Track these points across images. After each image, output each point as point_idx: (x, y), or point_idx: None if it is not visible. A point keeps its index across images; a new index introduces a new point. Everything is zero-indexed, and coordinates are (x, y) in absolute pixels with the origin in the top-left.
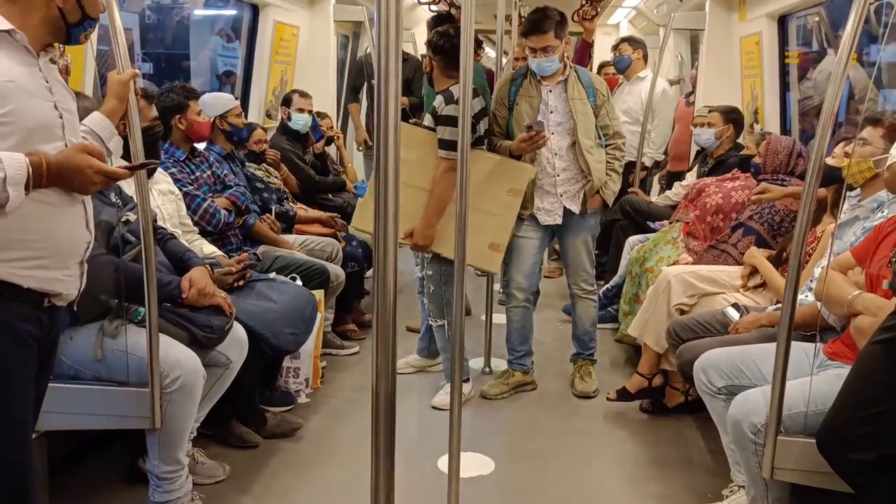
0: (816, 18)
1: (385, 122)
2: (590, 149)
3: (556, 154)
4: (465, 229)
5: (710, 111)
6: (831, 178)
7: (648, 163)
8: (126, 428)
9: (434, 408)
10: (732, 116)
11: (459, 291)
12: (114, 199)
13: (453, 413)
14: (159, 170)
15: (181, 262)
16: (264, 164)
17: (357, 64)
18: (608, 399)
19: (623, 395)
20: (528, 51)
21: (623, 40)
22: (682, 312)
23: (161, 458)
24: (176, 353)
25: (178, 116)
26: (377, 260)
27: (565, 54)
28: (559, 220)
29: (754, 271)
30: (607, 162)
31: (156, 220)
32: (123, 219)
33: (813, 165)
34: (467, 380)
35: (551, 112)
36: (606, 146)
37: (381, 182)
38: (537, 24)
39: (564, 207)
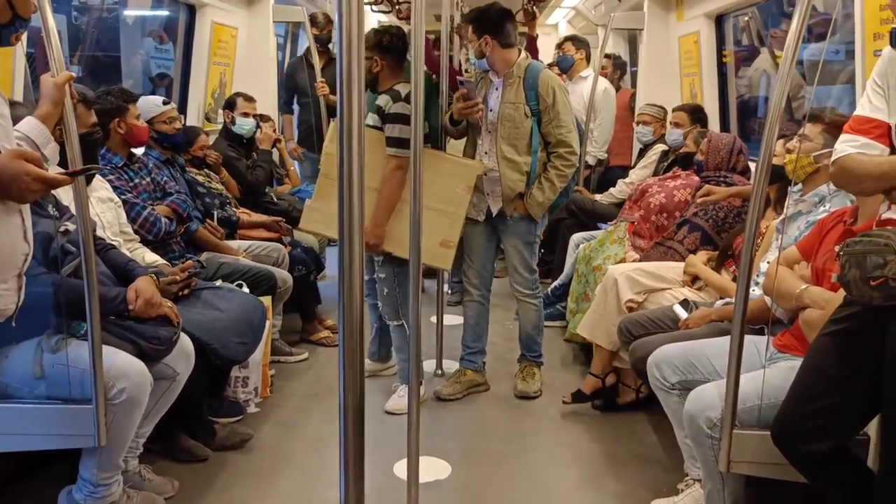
0: (747, 17)
1: (349, 127)
2: (510, 155)
3: (486, 153)
4: (419, 228)
5: (674, 110)
6: (774, 175)
7: (592, 161)
8: (70, 447)
9: (387, 412)
10: (699, 116)
11: (416, 291)
12: (50, 210)
13: (411, 416)
14: (97, 176)
15: (124, 272)
16: (205, 168)
17: (289, 69)
18: (564, 402)
19: (578, 397)
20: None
21: (567, 39)
22: (632, 309)
23: (99, 466)
24: (120, 363)
25: (116, 120)
26: (343, 270)
27: (485, 52)
28: (481, 217)
29: (696, 277)
30: (544, 170)
31: (94, 230)
32: (62, 229)
33: (761, 164)
34: (420, 382)
35: (490, 111)
36: (549, 155)
37: (345, 191)
38: (468, 14)
39: (489, 207)
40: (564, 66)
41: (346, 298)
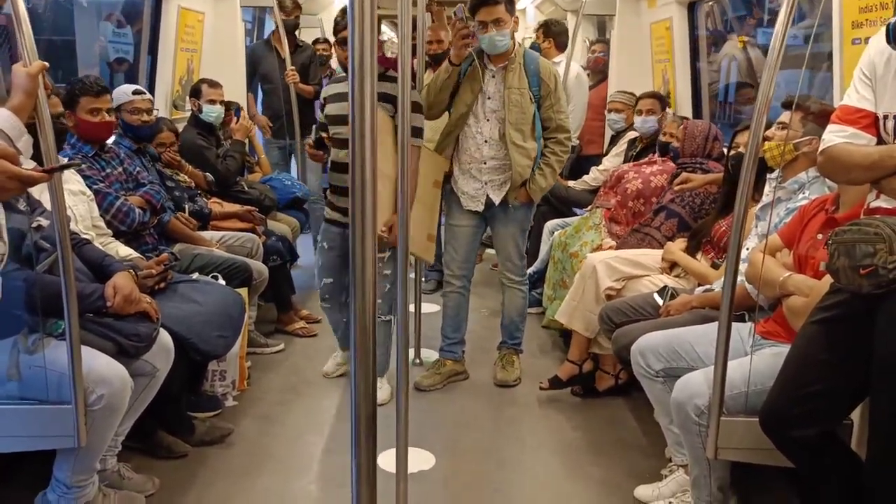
0: (711, 3)
1: (361, 119)
2: (518, 141)
3: (486, 141)
4: (407, 220)
5: (638, 98)
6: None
7: None
8: (48, 448)
9: None
10: (665, 102)
11: (404, 281)
12: (22, 207)
13: (400, 407)
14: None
15: (101, 268)
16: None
17: (251, 52)
18: (541, 388)
19: (555, 383)
20: (478, 27)
21: (541, 25)
22: (611, 297)
23: (75, 470)
24: (100, 368)
25: (66, 112)
26: (355, 276)
27: (514, 33)
28: (480, 208)
29: (674, 264)
30: (543, 156)
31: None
32: (35, 225)
33: (749, 153)
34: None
35: (489, 98)
36: (546, 140)
37: (357, 190)
38: None
39: (488, 196)
40: None
41: (358, 297)
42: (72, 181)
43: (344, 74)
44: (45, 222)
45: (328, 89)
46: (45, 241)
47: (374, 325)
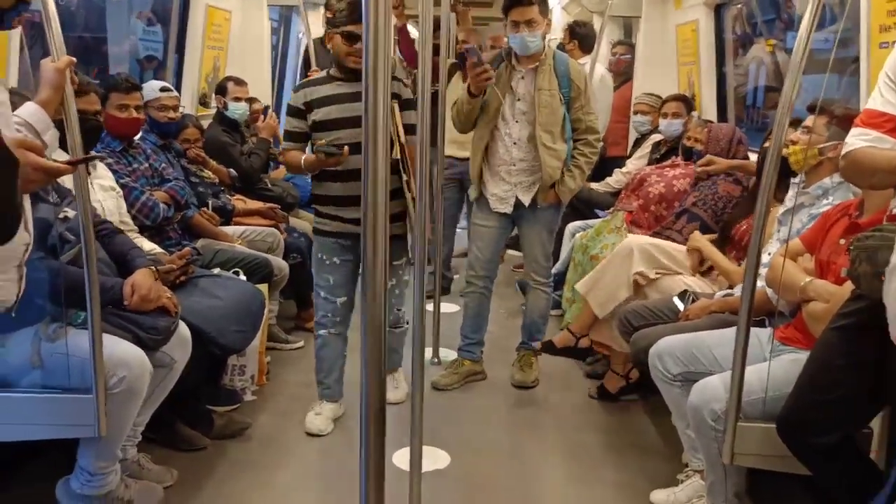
0: (739, 5)
1: (374, 119)
2: (548, 143)
3: (515, 143)
4: (425, 216)
5: (664, 101)
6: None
7: None
8: (69, 437)
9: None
10: (690, 104)
11: (421, 278)
12: (50, 198)
13: (415, 406)
14: (101, 165)
15: (124, 261)
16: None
17: (305, 50)
18: (535, 351)
19: (548, 347)
20: (509, 26)
21: (568, 26)
22: (637, 284)
23: (97, 456)
24: (121, 352)
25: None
26: (367, 274)
27: (546, 35)
28: (510, 210)
29: (703, 261)
30: (572, 157)
31: (97, 216)
32: (62, 216)
33: (772, 155)
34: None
35: (518, 100)
36: (575, 141)
37: (370, 190)
38: None
39: (517, 197)
40: None
41: (369, 298)
42: (104, 177)
43: (322, 76)
44: (71, 213)
45: (310, 92)
46: (71, 232)
47: (384, 322)
